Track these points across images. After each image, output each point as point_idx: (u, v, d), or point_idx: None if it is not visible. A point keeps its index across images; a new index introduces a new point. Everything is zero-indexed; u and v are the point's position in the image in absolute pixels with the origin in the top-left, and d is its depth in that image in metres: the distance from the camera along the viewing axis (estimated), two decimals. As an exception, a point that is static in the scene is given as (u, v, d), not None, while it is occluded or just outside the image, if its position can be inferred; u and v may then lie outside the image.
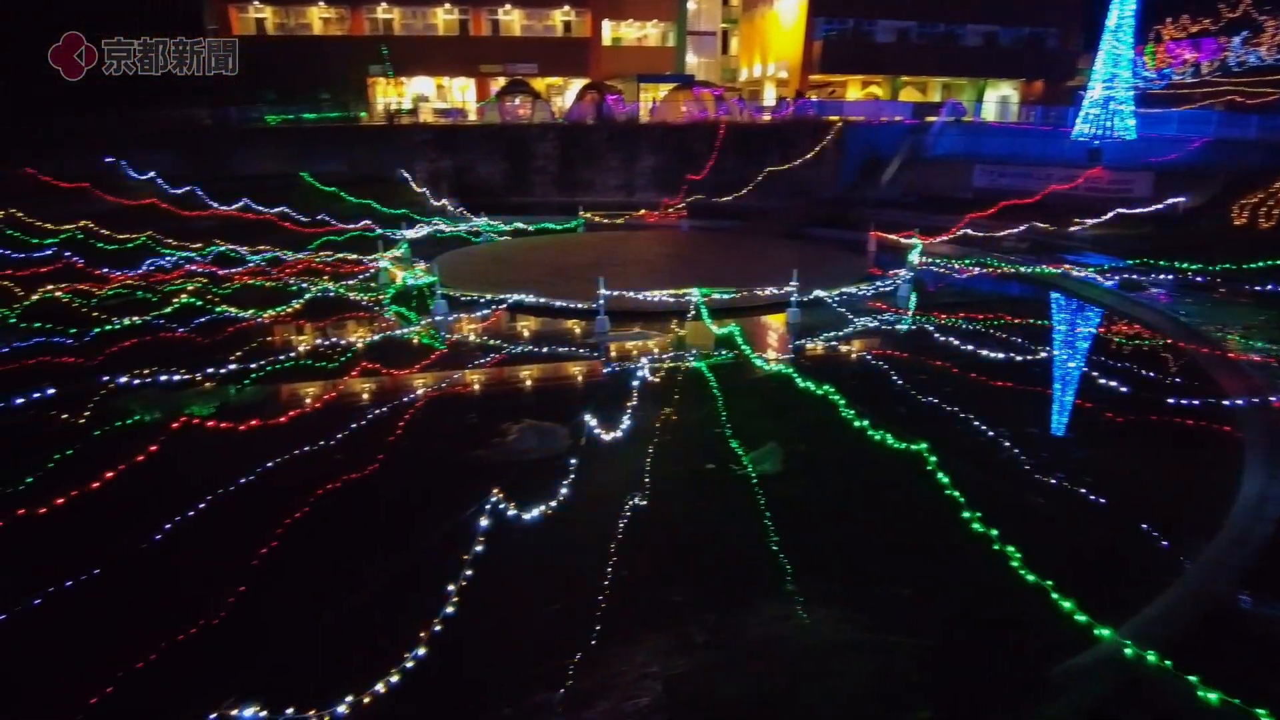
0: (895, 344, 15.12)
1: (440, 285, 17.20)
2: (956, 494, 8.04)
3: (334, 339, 15.18)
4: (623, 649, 6.56)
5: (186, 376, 11.92)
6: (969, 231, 23.49)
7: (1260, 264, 17.91)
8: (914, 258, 20.09)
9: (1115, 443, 11.04)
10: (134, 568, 7.69)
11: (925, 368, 13.48)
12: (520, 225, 28.39)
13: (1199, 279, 18.55)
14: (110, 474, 8.88)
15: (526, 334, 16.61)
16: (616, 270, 18.65)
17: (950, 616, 7.13)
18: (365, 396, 12.57)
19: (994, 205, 26.14)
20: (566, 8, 47.05)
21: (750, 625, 6.95)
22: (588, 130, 36.64)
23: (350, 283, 19.47)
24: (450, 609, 6.61)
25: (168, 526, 8.20)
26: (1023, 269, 20.49)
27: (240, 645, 6.70)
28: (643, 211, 31.11)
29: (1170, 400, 11.85)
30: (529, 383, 13.55)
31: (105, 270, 18.51)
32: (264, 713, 5.52)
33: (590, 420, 10.48)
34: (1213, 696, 5.48)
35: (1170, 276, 19.06)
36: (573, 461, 9.51)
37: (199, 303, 16.66)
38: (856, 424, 10.21)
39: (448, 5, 45.83)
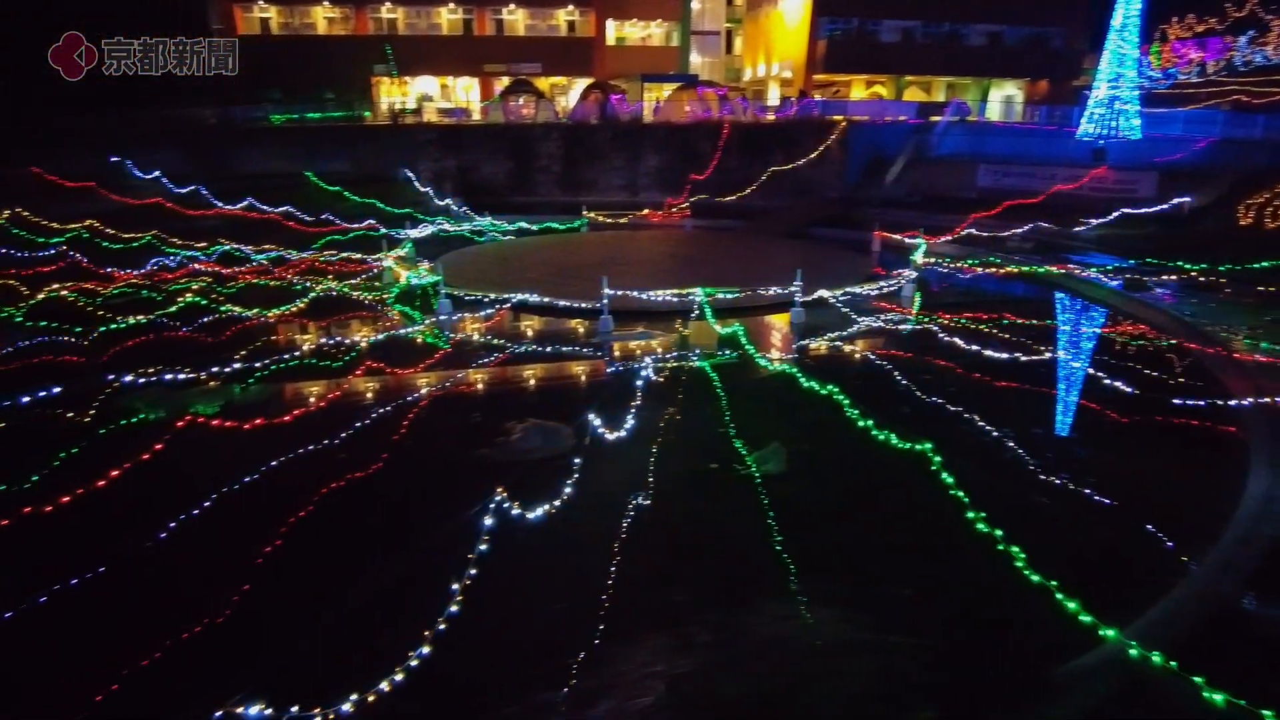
0: (899, 344, 15.10)
1: (444, 284, 17.22)
2: (961, 494, 8.03)
3: (338, 338, 15.20)
4: (626, 648, 6.57)
5: (191, 375, 11.96)
6: (973, 231, 23.44)
7: (1266, 264, 17.86)
8: (918, 258, 20.07)
9: (1120, 443, 11.01)
10: (139, 566, 7.71)
11: (929, 368, 13.46)
12: (524, 225, 28.41)
13: (1204, 279, 18.50)
14: (115, 472, 8.91)
15: (530, 333, 16.63)
16: (620, 270, 18.65)
17: (953, 617, 7.12)
18: (369, 396, 12.59)
19: (998, 205, 26.06)
20: (571, 7, 47.05)
21: (753, 625, 6.95)
22: (591, 130, 36.64)
23: (354, 282, 19.50)
24: (454, 608, 6.62)
25: (172, 525, 8.22)
26: (1026, 269, 20.44)
27: (244, 644, 6.71)
28: (646, 211, 31.10)
29: (1175, 401, 11.81)
30: (533, 382, 13.56)
31: (111, 269, 18.54)
32: (269, 711, 5.55)
33: (594, 420, 10.49)
34: (1218, 698, 5.47)
35: (1175, 277, 19.01)
36: (576, 461, 9.52)
37: (204, 302, 16.70)
38: (860, 424, 10.20)
39: (452, 5, 45.87)
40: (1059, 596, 6.60)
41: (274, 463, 9.67)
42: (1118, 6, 31.27)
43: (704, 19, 54.47)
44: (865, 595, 7.36)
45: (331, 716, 5.60)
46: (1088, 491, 9.18)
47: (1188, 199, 25.49)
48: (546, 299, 17.03)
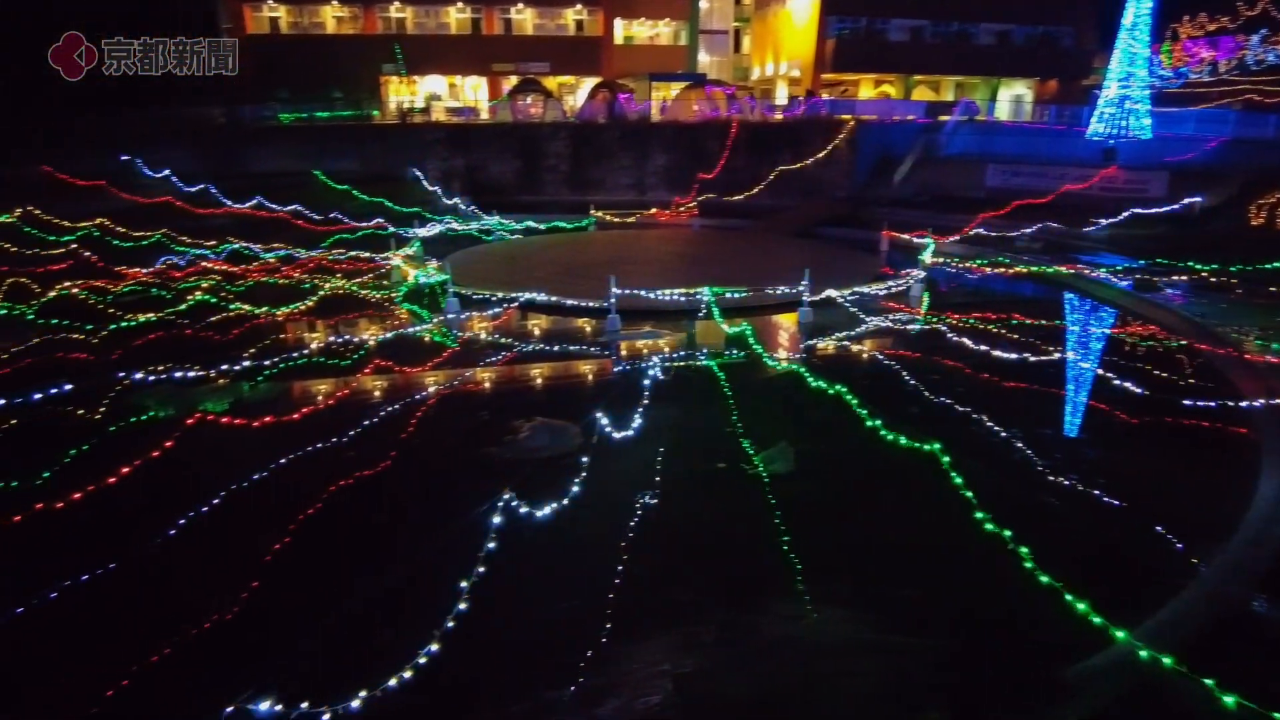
0: (907, 344, 15.06)
1: (452, 283, 17.26)
2: (969, 494, 8.01)
3: (346, 336, 15.25)
4: (633, 647, 6.57)
5: (200, 373, 12.02)
6: (982, 231, 23.37)
7: (1277, 264, 17.75)
8: (926, 257, 20.01)
9: (1130, 444, 10.95)
10: (148, 563, 7.76)
11: (937, 368, 13.42)
12: (532, 224, 28.43)
13: (1215, 280, 18.39)
14: (125, 469, 8.96)
15: (538, 332, 16.65)
16: (628, 269, 18.65)
17: (962, 617, 7.10)
18: (377, 394, 12.63)
19: (1007, 205, 25.98)
20: (579, 6, 47.07)
21: (761, 624, 6.95)
22: (599, 129, 36.65)
23: (362, 280, 19.56)
24: (462, 606, 6.64)
25: (181, 522, 8.27)
26: (1035, 269, 20.36)
27: (253, 641, 6.74)
28: (654, 210, 31.09)
29: (1186, 402, 11.76)
30: (540, 381, 13.58)
31: (121, 267, 18.66)
32: (278, 707, 5.58)
33: (601, 419, 10.50)
34: (1229, 699, 5.44)
35: (1186, 277, 18.90)
36: (584, 460, 9.53)
37: (213, 300, 16.79)
38: (868, 424, 10.18)
39: (460, 4, 45.93)
40: (1068, 597, 6.58)
41: (282, 460, 9.71)
42: (1128, 5, 31.10)
43: (712, 18, 54.38)
44: (873, 595, 7.34)
45: (340, 713, 5.63)
46: (1097, 492, 9.13)
47: (1199, 199, 25.35)
48: (554, 298, 17.04)
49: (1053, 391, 12.73)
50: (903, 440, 9.42)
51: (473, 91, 48.38)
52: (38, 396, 10.38)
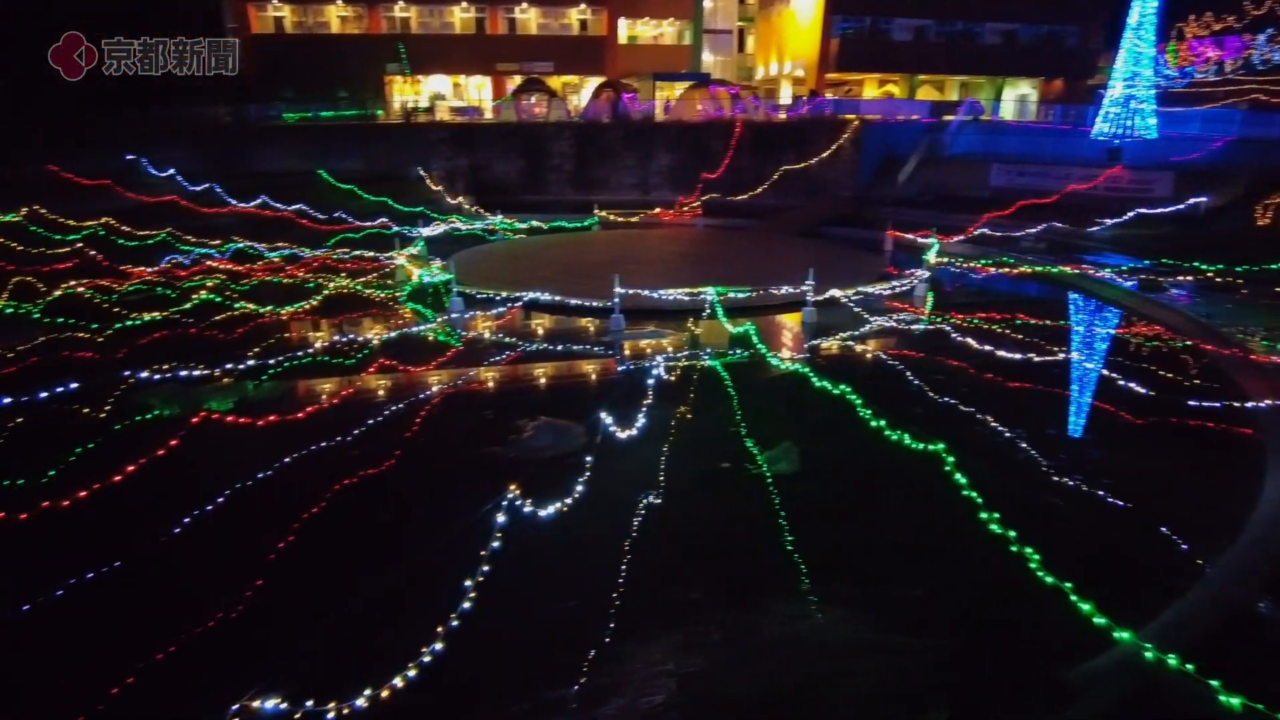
0: (911, 344, 15.04)
1: (456, 283, 17.28)
2: (973, 495, 8.00)
3: (351, 336, 15.27)
4: (637, 646, 6.58)
5: (205, 372, 12.05)
6: (986, 231, 23.32)
7: (1284, 265, 17.70)
8: (931, 257, 19.98)
9: (1134, 445, 10.93)
10: (153, 562, 7.79)
11: (942, 368, 13.40)
12: (536, 223, 28.46)
13: (1220, 280, 18.34)
14: (130, 468, 8.99)
15: (542, 332, 16.66)
16: (631, 268, 18.65)
17: (965, 617, 7.10)
18: (382, 393, 12.66)
19: (1012, 205, 25.91)
20: (583, 6, 47.10)
21: (764, 624, 6.95)
22: (603, 129, 36.66)
23: (367, 280, 19.59)
24: (466, 605, 6.65)
25: (186, 521, 8.29)
26: (1040, 269, 20.31)
27: (258, 639, 6.76)
28: (658, 210, 31.10)
29: (1191, 402, 11.72)
30: (544, 380, 13.59)
31: (126, 266, 18.72)
32: (284, 706, 5.59)
33: (605, 418, 10.50)
34: (1235, 701, 5.43)
35: (1191, 277, 18.84)
36: (588, 459, 9.53)
37: (218, 299, 16.83)
38: (872, 424, 10.17)
39: (464, 4, 45.99)
40: (1073, 598, 6.57)
41: (287, 459, 9.73)
42: (1134, 4, 31.02)
43: (716, 18, 54.38)
44: (876, 595, 7.34)
45: (346, 711, 5.64)
46: (1101, 493, 9.12)
47: (1204, 199, 25.26)
48: (558, 297, 17.05)
49: (1057, 392, 12.71)
50: (907, 440, 9.40)
51: (477, 91, 48.45)
52: (44, 395, 10.40)
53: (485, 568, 7.06)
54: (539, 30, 47.75)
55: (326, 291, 17.78)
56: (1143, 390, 11.96)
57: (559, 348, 15.09)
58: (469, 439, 10.82)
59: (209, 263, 20.26)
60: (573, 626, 6.91)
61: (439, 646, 6.23)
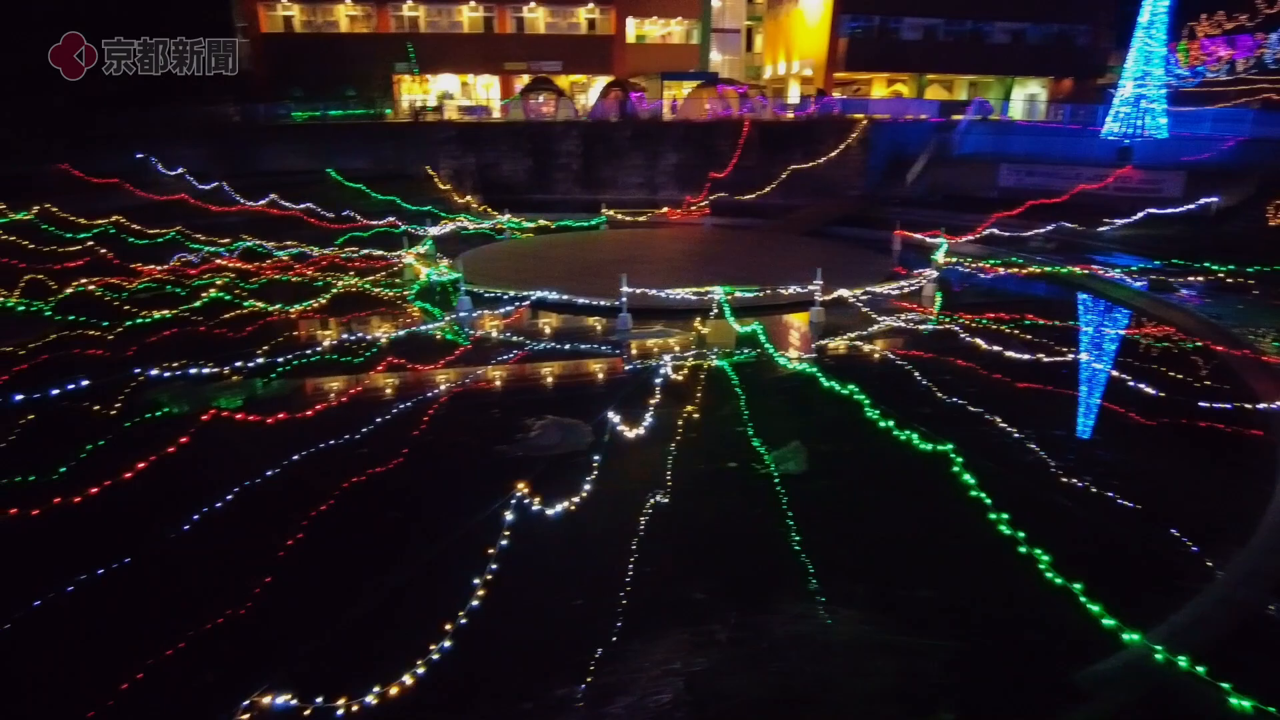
0: (919, 344, 15.00)
1: (464, 281, 17.32)
2: (982, 495, 7.97)
3: (359, 334, 15.32)
4: (645, 645, 6.58)
5: (214, 370, 12.11)
6: (995, 231, 23.23)
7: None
8: (939, 257, 19.91)
9: (1145, 446, 10.88)
10: (163, 558, 7.84)
11: (950, 368, 13.36)
12: (543, 222, 28.49)
13: (1232, 280, 18.22)
14: (140, 465, 9.03)
15: (549, 331, 16.68)
16: (639, 268, 18.65)
17: (974, 618, 7.08)
18: (390, 391, 12.69)
19: (1021, 205, 25.81)
20: (591, 5, 47.08)
21: (772, 624, 6.94)
22: (611, 128, 36.66)
23: (375, 278, 19.65)
24: (474, 602, 6.66)
25: (195, 518, 8.34)
26: (1049, 269, 20.22)
27: (267, 636, 6.79)
28: (665, 209, 31.09)
29: (1201, 404, 11.65)
30: (551, 379, 13.61)
31: (136, 264, 18.81)
32: (294, 701, 5.62)
33: (613, 417, 10.51)
34: (1246, 704, 5.40)
35: (1202, 278, 18.73)
36: (595, 458, 9.54)
37: (227, 297, 16.91)
38: (881, 424, 10.15)
39: (473, 3, 46.03)
40: (1082, 599, 6.54)
41: (295, 457, 9.78)
42: (1145, 3, 30.83)
43: (724, 16, 54.24)
44: (884, 595, 7.33)
45: (355, 708, 5.66)
46: (1111, 494, 9.08)
47: (1215, 199, 25.10)
48: (565, 297, 17.07)
49: (1066, 393, 12.66)
50: (915, 440, 9.38)
51: (485, 90, 48.47)
52: (55, 392, 10.47)
53: (493, 566, 7.08)
54: (547, 29, 47.76)
55: (335, 290, 17.85)
56: (1153, 391, 11.90)
57: (566, 347, 15.10)
58: (477, 437, 10.84)
59: (218, 261, 20.35)
60: (580, 625, 6.93)
61: (447, 644, 6.24)
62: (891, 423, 10.02)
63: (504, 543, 7.37)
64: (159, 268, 19.00)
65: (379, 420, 11.00)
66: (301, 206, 25.70)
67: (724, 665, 6.44)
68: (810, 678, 6.39)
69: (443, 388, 12.71)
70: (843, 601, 7.15)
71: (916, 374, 13.04)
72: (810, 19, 48.74)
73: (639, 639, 6.64)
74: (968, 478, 8.23)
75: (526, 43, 47.28)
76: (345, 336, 15.24)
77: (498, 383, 13.34)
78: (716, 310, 15.92)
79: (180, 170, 26.77)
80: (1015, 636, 6.88)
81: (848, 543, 8.28)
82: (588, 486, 8.82)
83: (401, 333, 15.28)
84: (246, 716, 5.65)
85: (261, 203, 25.61)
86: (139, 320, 15.22)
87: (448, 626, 6.37)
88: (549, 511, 8.16)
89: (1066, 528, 8.41)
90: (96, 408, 11.20)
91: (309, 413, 11.25)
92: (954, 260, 21.12)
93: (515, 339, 15.42)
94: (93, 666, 6.37)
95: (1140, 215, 24.04)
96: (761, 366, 13.57)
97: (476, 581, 6.85)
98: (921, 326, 16.17)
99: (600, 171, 34.91)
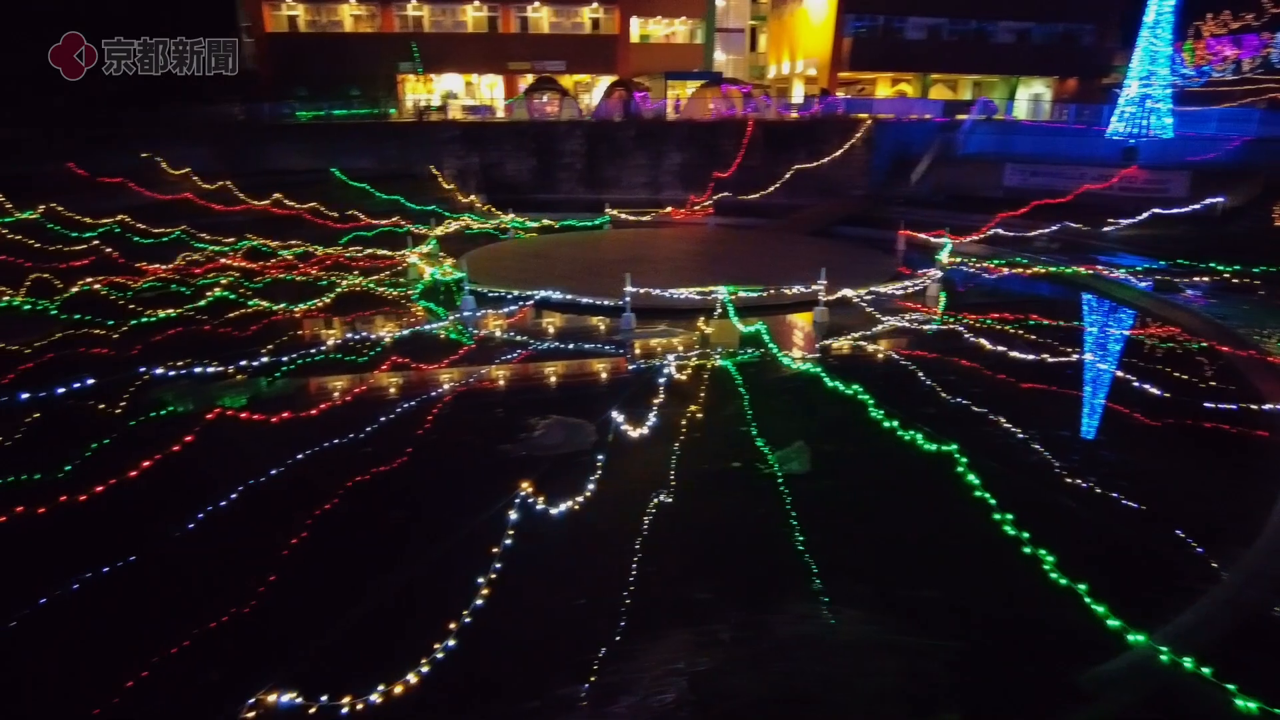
0: (924, 344, 14.98)
1: (468, 281, 17.33)
2: (987, 496, 7.96)
3: (363, 333, 15.35)
4: (648, 645, 6.58)
5: (219, 369, 12.14)
6: (999, 231, 23.19)
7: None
8: (943, 257, 19.89)
9: (1150, 447, 10.85)
10: (168, 557, 7.85)
11: (954, 368, 13.34)
12: (547, 222, 28.50)
13: (1237, 281, 18.17)
14: (145, 463, 9.06)
15: (553, 330, 16.69)
16: (642, 267, 18.65)
17: (978, 619, 7.06)
18: (394, 391, 12.70)
19: (1025, 204, 25.76)
20: (595, 5, 47.09)
21: (775, 624, 6.94)
22: (615, 127, 36.66)
23: (379, 278, 19.68)
24: (478, 601, 6.67)
25: (200, 517, 8.36)
26: (1054, 269, 20.17)
27: (272, 635, 6.81)
28: (669, 209, 31.08)
29: (1207, 404, 11.62)
30: (555, 378, 13.62)
31: (141, 263, 18.86)
32: (299, 700, 5.63)
33: (616, 416, 10.51)
34: (1252, 705, 5.38)
35: (1207, 278, 18.67)
36: (599, 457, 9.55)
37: (232, 296, 16.94)
38: (885, 424, 10.13)
39: (477, 3, 46.08)
40: (1086, 600, 6.53)
41: (300, 456, 9.79)
42: (1150, 2, 30.75)
43: (728, 16, 54.25)
44: (888, 596, 7.33)
45: (360, 707, 5.67)
46: (1116, 495, 9.06)
47: (1221, 199, 25.02)
48: (569, 296, 17.07)
49: (1071, 393, 12.63)
50: (919, 441, 9.37)
51: (489, 90, 48.54)
52: (60, 391, 10.51)
53: (497, 565, 7.09)
54: (551, 29, 47.80)
55: (339, 289, 17.87)
56: (1158, 392, 11.87)
57: (570, 346, 15.10)
58: (480, 437, 10.85)
59: (223, 260, 20.39)
60: (583, 624, 6.93)
61: (451, 643, 6.25)
62: (896, 423, 10.01)
63: (508, 542, 7.38)
64: (164, 266, 19.05)
65: (383, 419, 11.01)
66: (306, 206, 25.74)
67: (727, 665, 6.45)
68: (814, 678, 6.38)
69: (447, 387, 12.72)
70: (847, 601, 7.14)
71: (921, 374, 13.02)
72: (814, 18, 48.69)
73: (642, 639, 6.64)
74: (972, 478, 8.22)
75: (530, 42, 47.32)
76: (349, 336, 15.27)
77: (501, 382, 13.35)
78: (720, 310, 15.91)
79: (185, 170, 26.82)
80: (1019, 637, 6.87)
81: (851, 543, 8.27)
82: (591, 486, 8.83)
83: (405, 332, 15.30)
84: (251, 715, 5.67)
85: (266, 202, 25.64)
86: (144, 319, 15.26)
87: (451, 625, 6.38)
88: (553, 511, 8.17)
89: (1071, 528, 8.40)
90: (101, 406, 11.23)
91: (313, 412, 11.28)
92: (958, 260, 21.09)
93: (519, 338, 15.43)
94: (98, 665, 6.39)
95: (1145, 215, 23.98)
96: (765, 366, 13.56)
97: (480, 581, 6.85)
98: (926, 326, 16.15)
99: (604, 171, 34.91)
